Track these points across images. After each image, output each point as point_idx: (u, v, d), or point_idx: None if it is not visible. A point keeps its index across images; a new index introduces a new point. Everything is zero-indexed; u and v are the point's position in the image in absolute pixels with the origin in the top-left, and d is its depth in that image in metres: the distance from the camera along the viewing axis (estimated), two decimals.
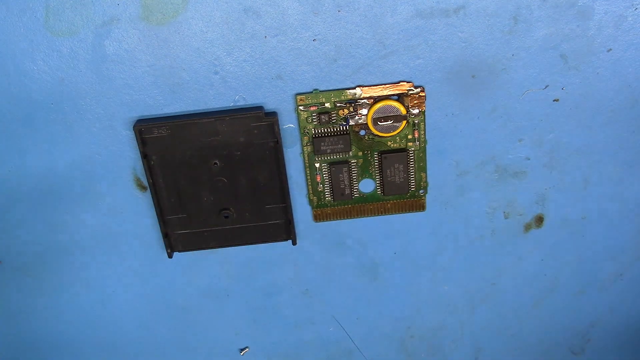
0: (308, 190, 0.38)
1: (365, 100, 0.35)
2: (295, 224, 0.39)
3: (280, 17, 0.33)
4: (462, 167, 0.38)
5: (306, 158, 0.37)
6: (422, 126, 0.36)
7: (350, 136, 0.37)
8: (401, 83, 0.35)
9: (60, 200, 0.38)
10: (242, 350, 0.45)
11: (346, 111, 0.36)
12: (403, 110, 0.35)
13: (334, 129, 0.36)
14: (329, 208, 0.39)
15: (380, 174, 0.38)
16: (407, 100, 0.35)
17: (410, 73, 0.35)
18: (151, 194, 0.37)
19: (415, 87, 0.35)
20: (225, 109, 0.35)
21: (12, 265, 0.40)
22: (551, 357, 0.46)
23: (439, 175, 0.38)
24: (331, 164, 0.37)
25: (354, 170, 0.38)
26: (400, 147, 0.37)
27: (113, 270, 0.41)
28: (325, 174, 0.38)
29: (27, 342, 0.44)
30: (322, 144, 0.37)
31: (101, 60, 0.34)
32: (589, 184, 0.39)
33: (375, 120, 0.36)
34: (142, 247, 0.40)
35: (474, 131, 0.37)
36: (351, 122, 0.36)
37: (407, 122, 0.36)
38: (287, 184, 0.37)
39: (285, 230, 0.39)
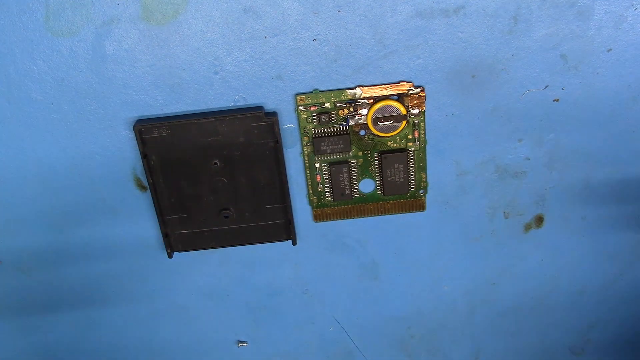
0: (308, 190, 0.38)
1: (365, 100, 0.35)
2: (295, 224, 0.39)
3: (280, 17, 0.33)
4: (462, 167, 0.38)
5: (306, 158, 0.37)
6: (422, 126, 0.36)
7: (350, 136, 0.37)
8: (401, 83, 0.35)
9: (60, 201, 0.38)
10: (240, 342, 0.45)
11: (346, 111, 0.36)
12: (403, 110, 0.35)
13: (334, 129, 0.36)
14: (329, 208, 0.39)
15: (380, 174, 0.38)
16: (407, 100, 0.35)
17: (410, 73, 0.35)
18: (151, 194, 0.37)
19: (415, 87, 0.35)
20: (225, 109, 0.35)
21: (12, 265, 0.40)
22: (551, 357, 0.47)
23: (439, 175, 0.38)
24: (331, 164, 0.37)
25: (354, 170, 0.38)
26: (400, 147, 0.37)
27: (113, 270, 0.41)
28: (325, 174, 0.38)
29: (27, 342, 0.44)
30: (322, 144, 0.37)
31: (101, 60, 0.34)
32: (589, 184, 0.39)
33: (375, 120, 0.36)
34: (142, 247, 0.40)
35: (474, 131, 0.37)
36: (351, 122, 0.36)
37: (407, 122, 0.36)
38: (287, 184, 0.37)
39: (285, 230, 0.39)
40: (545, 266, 0.42)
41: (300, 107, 0.36)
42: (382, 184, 0.38)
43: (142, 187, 0.38)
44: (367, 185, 0.39)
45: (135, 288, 0.42)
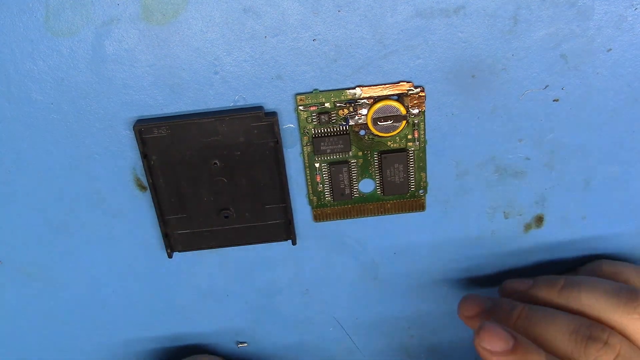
0: (308, 190, 0.38)
1: (365, 100, 0.35)
2: (295, 224, 0.39)
3: (280, 17, 0.33)
4: (462, 167, 0.38)
5: (306, 158, 0.37)
6: (422, 126, 0.36)
7: (350, 136, 0.37)
8: (401, 83, 0.35)
9: (60, 200, 0.38)
10: (240, 343, 0.45)
11: (346, 111, 0.36)
12: (403, 110, 0.35)
13: (334, 129, 0.36)
14: (328, 208, 0.39)
15: (380, 174, 0.38)
16: (407, 100, 0.35)
17: (410, 73, 0.35)
18: (151, 194, 0.37)
19: (415, 87, 0.35)
20: (225, 109, 0.35)
21: (12, 265, 0.40)
22: None
23: (439, 175, 0.38)
24: (331, 164, 0.37)
25: (354, 170, 0.38)
26: (400, 147, 0.37)
27: (113, 270, 0.41)
28: (325, 174, 0.38)
29: (27, 342, 0.44)
30: (322, 144, 0.37)
31: (101, 60, 0.34)
32: (589, 184, 0.39)
33: (375, 120, 0.36)
34: (142, 247, 0.40)
35: (474, 131, 0.37)
36: (351, 122, 0.36)
37: (407, 122, 0.36)
38: (287, 184, 0.37)
39: (285, 230, 0.39)
40: (546, 266, 0.42)
41: (300, 107, 0.36)
42: (382, 184, 0.38)
43: (142, 187, 0.38)
44: (367, 185, 0.39)
45: (135, 288, 0.42)
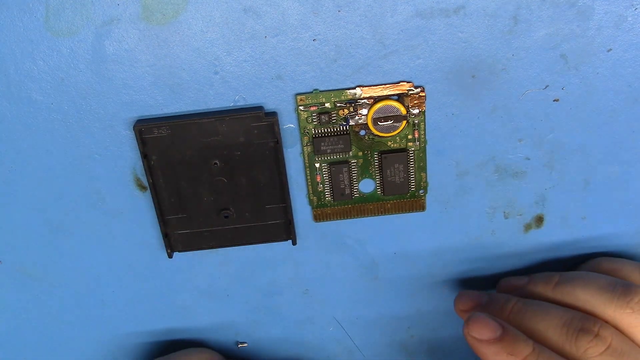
0: (308, 190, 0.38)
1: (365, 100, 0.35)
2: (295, 224, 0.39)
3: (280, 17, 0.33)
4: (462, 167, 0.38)
5: (306, 158, 0.37)
6: (422, 126, 0.36)
7: (350, 136, 0.37)
8: (401, 83, 0.35)
9: (60, 200, 0.38)
10: (240, 343, 0.45)
11: (346, 111, 0.36)
12: (403, 110, 0.35)
13: (334, 129, 0.36)
14: (329, 208, 0.39)
15: (380, 174, 0.38)
16: (407, 100, 0.35)
17: (410, 73, 0.35)
18: (151, 194, 0.37)
19: (415, 87, 0.35)
20: (225, 109, 0.35)
21: (12, 265, 0.40)
22: None
23: (439, 175, 0.38)
24: (331, 164, 0.37)
25: (354, 170, 0.38)
26: (400, 147, 0.37)
27: (113, 271, 0.41)
28: (325, 174, 0.38)
29: (27, 342, 0.44)
30: (322, 144, 0.37)
31: (101, 60, 0.34)
32: (589, 184, 0.39)
33: (375, 120, 0.36)
34: (142, 247, 0.40)
35: (474, 131, 0.37)
36: (351, 122, 0.36)
37: (407, 122, 0.36)
38: (287, 184, 0.37)
39: (285, 230, 0.39)
40: (546, 266, 0.42)
41: (300, 107, 0.36)
42: (382, 184, 0.38)
43: (142, 187, 0.38)
44: (367, 185, 0.39)
45: (135, 288, 0.42)
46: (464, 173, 0.38)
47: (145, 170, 0.36)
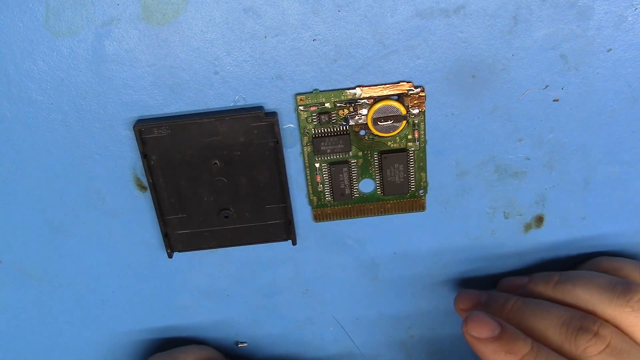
0: (308, 190, 0.38)
1: (365, 100, 0.35)
2: (295, 224, 0.39)
3: (280, 17, 0.33)
4: (462, 167, 0.38)
5: (306, 158, 0.37)
6: (422, 126, 0.36)
7: (350, 136, 0.37)
8: (401, 83, 0.35)
9: (60, 200, 0.38)
10: (240, 343, 0.45)
11: (346, 111, 0.36)
12: (403, 110, 0.35)
13: (334, 129, 0.36)
14: (329, 208, 0.39)
15: (380, 174, 0.38)
16: (407, 100, 0.35)
17: (410, 73, 0.35)
18: (151, 194, 0.37)
19: (415, 87, 0.35)
20: (225, 109, 0.35)
21: (12, 265, 0.40)
22: None
23: (439, 175, 0.38)
24: (331, 164, 0.37)
25: (354, 170, 0.38)
26: (400, 147, 0.37)
27: (113, 270, 0.41)
28: (325, 174, 0.38)
29: (27, 342, 0.44)
30: (322, 144, 0.37)
31: (101, 60, 0.34)
32: (589, 184, 0.39)
33: (375, 120, 0.36)
34: (142, 247, 0.40)
35: (474, 131, 0.37)
36: (351, 122, 0.36)
37: (407, 122, 0.36)
38: (287, 184, 0.37)
39: (285, 230, 0.39)
40: (545, 266, 0.42)
41: (300, 107, 0.36)
42: (382, 184, 0.38)
43: (142, 187, 0.38)
44: (367, 185, 0.39)
45: (136, 288, 0.42)
46: (464, 173, 0.38)
47: (145, 170, 0.36)
